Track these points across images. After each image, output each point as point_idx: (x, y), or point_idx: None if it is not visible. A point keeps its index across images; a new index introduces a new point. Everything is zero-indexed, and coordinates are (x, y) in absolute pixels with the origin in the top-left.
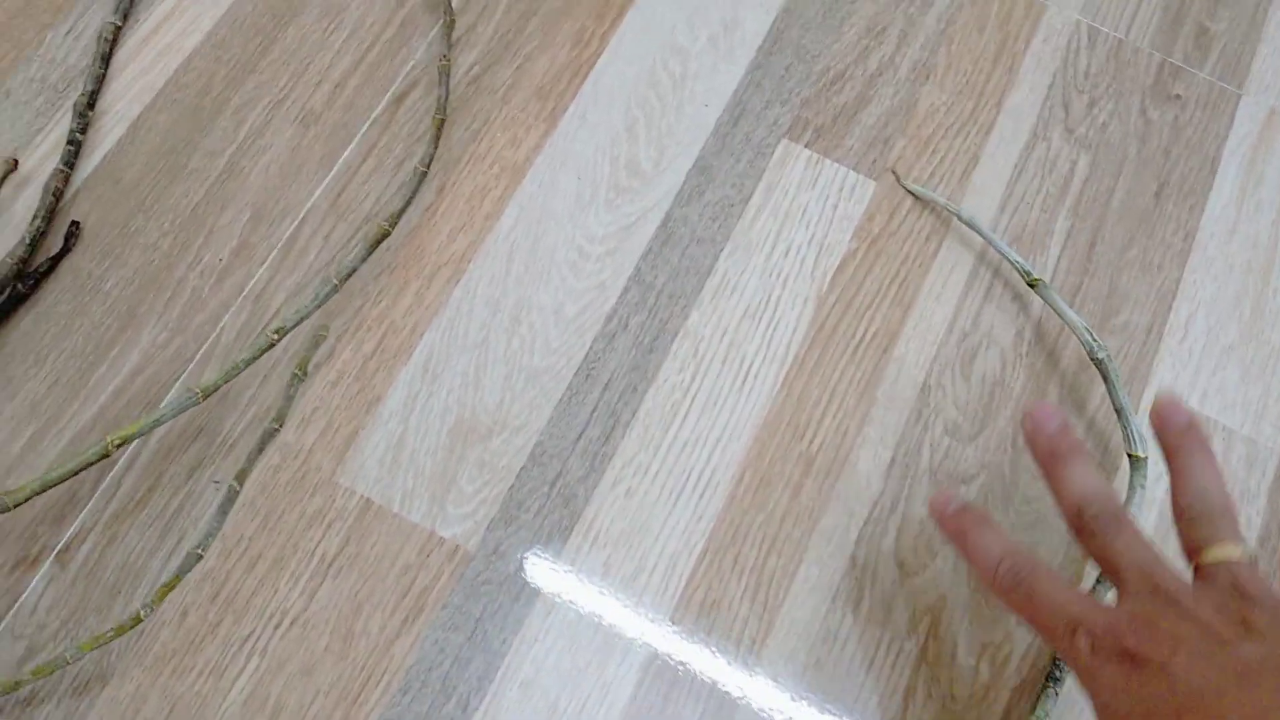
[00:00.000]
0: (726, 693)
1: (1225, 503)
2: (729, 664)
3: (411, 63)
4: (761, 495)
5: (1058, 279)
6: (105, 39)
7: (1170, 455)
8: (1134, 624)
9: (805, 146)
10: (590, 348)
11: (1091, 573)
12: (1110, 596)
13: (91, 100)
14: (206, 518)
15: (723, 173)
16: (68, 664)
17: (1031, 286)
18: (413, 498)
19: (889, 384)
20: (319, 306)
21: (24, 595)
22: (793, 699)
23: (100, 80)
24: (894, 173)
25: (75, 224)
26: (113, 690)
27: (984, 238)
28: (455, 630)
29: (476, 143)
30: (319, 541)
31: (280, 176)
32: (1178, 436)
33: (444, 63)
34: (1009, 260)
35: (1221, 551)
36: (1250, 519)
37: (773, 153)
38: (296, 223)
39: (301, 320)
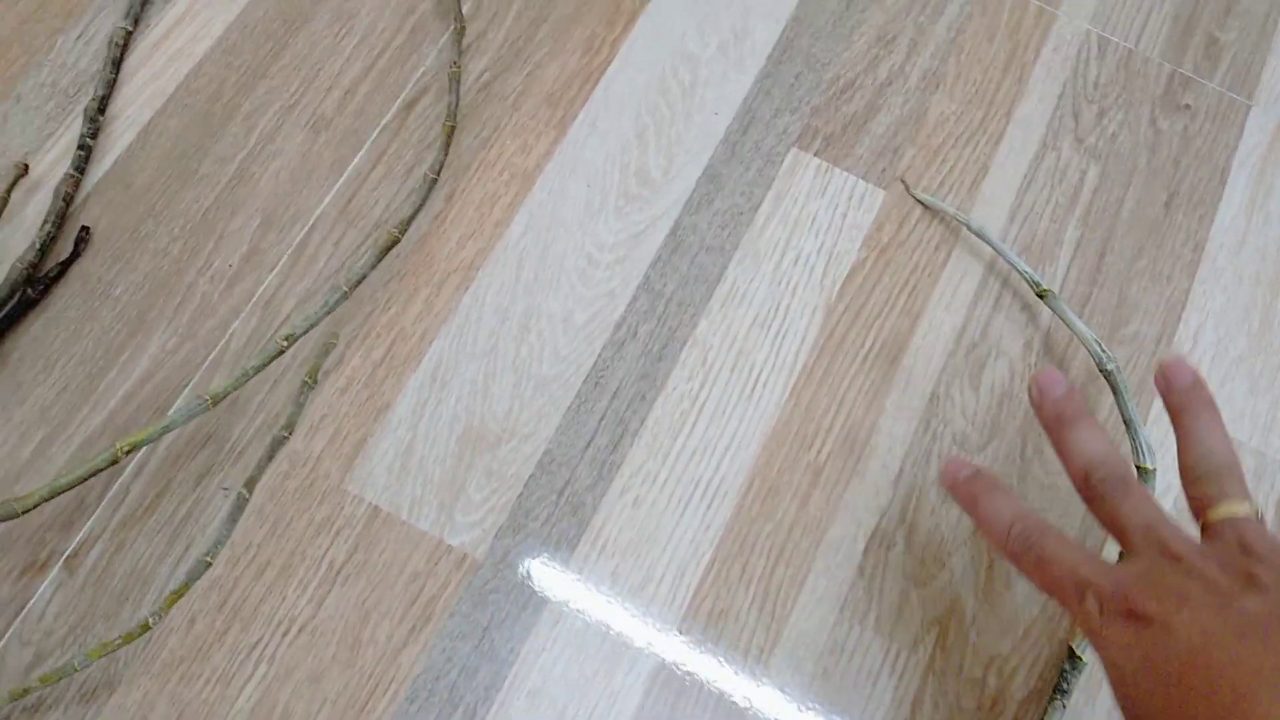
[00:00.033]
0: (734, 702)
1: (1231, 461)
2: (736, 674)
3: (422, 69)
4: (769, 505)
5: (1067, 289)
6: (116, 44)
7: (1175, 415)
8: (1140, 583)
9: (815, 155)
10: (599, 356)
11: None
12: None
13: (102, 105)
14: (215, 525)
15: (732, 181)
16: (75, 671)
17: (1041, 297)
18: (421, 505)
19: (898, 394)
20: (328, 313)
21: (32, 601)
22: (800, 709)
23: (111, 85)
24: (903, 182)
25: (85, 229)
26: (120, 697)
27: (993, 248)
28: (463, 639)
29: (486, 150)
30: (327, 549)
31: (290, 182)
32: (1182, 396)
33: (454, 69)
34: (1018, 271)
35: (1228, 509)
36: None
37: (782, 161)
38: (306, 229)
39: (311, 327)
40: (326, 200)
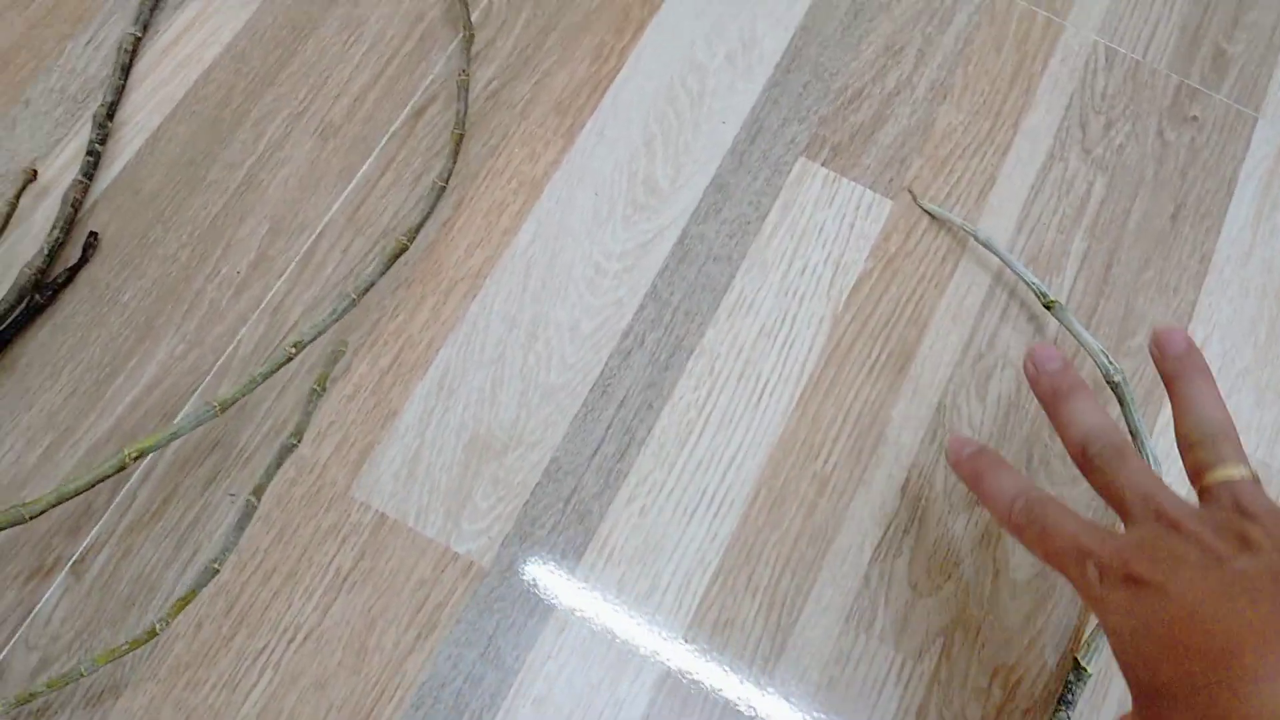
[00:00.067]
0: (739, 711)
1: (1226, 426)
2: (742, 682)
3: (430, 77)
4: (776, 514)
5: (1074, 300)
6: (125, 50)
7: (1169, 382)
8: (1138, 549)
9: (822, 165)
10: (606, 364)
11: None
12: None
13: (111, 111)
14: (222, 531)
15: (740, 190)
16: (82, 676)
17: (1048, 308)
18: (428, 513)
19: (904, 404)
20: (336, 320)
21: (38, 606)
22: (805, 718)
23: (120, 91)
24: (911, 192)
25: (93, 235)
26: (126, 702)
27: (1000, 259)
28: (468, 646)
29: (495, 158)
30: (334, 556)
31: (299, 189)
32: (1176, 363)
33: (463, 77)
34: (1025, 282)
35: (1224, 472)
36: None
37: (790, 171)
38: (314, 236)
39: (319, 334)
40: (335, 207)
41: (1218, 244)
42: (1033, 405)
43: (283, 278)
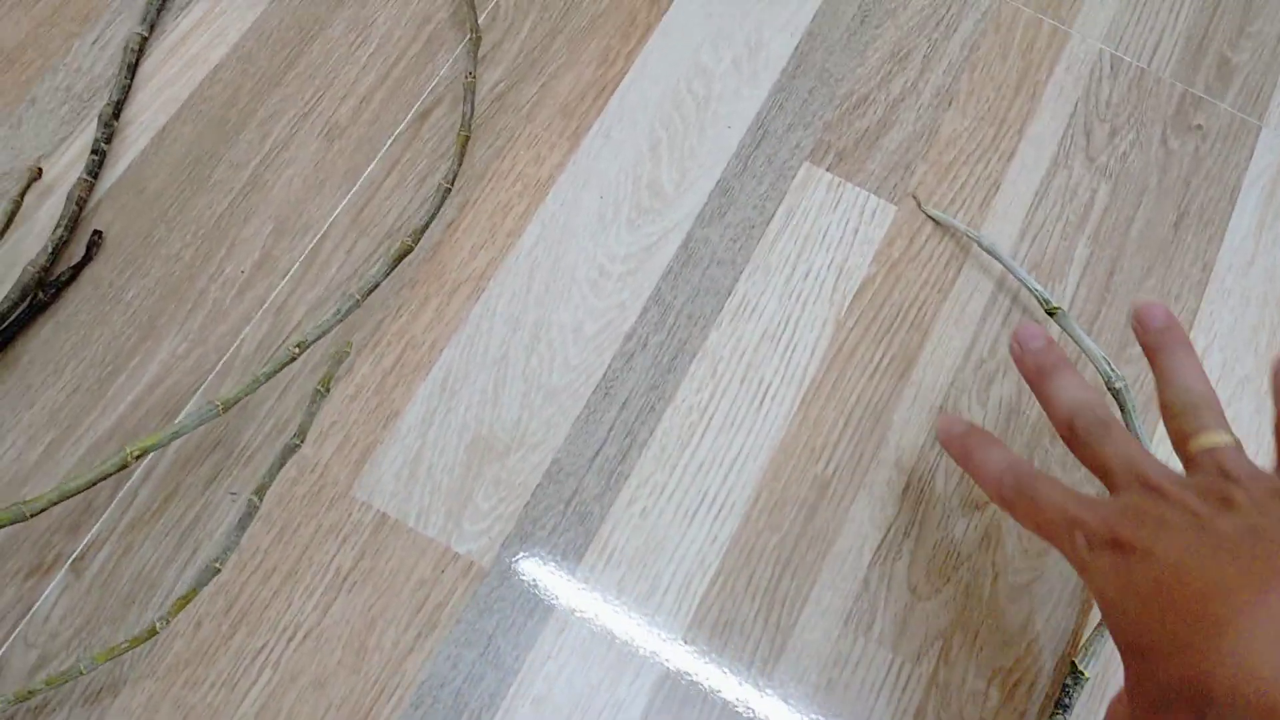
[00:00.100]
0: (738, 713)
1: (1208, 395)
2: (741, 684)
3: (437, 79)
4: (776, 517)
5: (1076, 307)
6: (131, 49)
7: (1152, 355)
8: (1123, 515)
9: (827, 170)
10: (609, 366)
11: None
12: None
13: (117, 110)
14: (223, 531)
15: (744, 194)
16: (81, 674)
17: (1050, 315)
18: (429, 513)
19: (906, 408)
20: (340, 321)
21: (38, 604)
22: None
23: (126, 90)
24: (915, 198)
25: (98, 233)
26: (125, 700)
27: (1004, 265)
28: (468, 646)
29: (500, 160)
30: (334, 555)
31: (304, 190)
32: (1157, 336)
33: (469, 79)
34: (1028, 288)
35: (1207, 439)
36: None
37: (794, 175)
38: (319, 237)
39: (322, 335)
40: (339, 208)
41: (1220, 252)
42: (1034, 411)
43: (287, 278)
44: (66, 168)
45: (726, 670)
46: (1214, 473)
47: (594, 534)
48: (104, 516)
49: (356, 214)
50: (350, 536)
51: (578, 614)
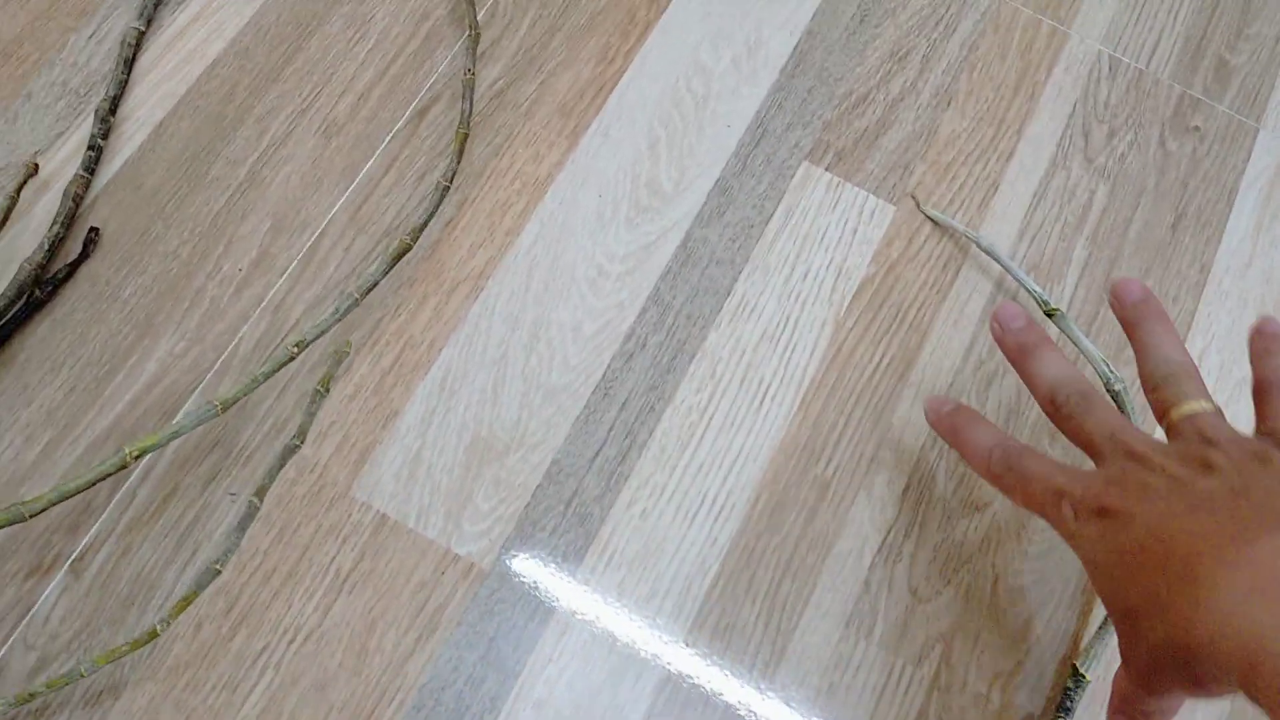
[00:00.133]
0: (739, 716)
1: (1188, 365)
2: (742, 687)
3: (435, 75)
4: (776, 519)
5: (1074, 308)
6: (128, 44)
7: (1129, 329)
8: (1108, 484)
9: (826, 169)
10: (608, 366)
11: None
12: None
13: (113, 105)
14: (223, 531)
15: (743, 194)
16: (82, 677)
17: (1049, 316)
18: (428, 514)
19: (905, 409)
20: (339, 320)
21: (37, 605)
22: None
23: (123, 85)
24: (914, 198)
25: (94, 230)
26: (125, 703)
27: (1002, 265)
28: (469, 649)
29: (498, 158)
30: (334, 556)
31: (301, 187)
32: (1134, 310)
33: (468, 76)
34: (1027, 289)
35: (1187, 407)
36: None
37: (793, 175)
38: (317, 234)
39: (321, 334)
40: (337, 206)
41: (1217, 254)
42: (1034, 412)
43: (284, 276)
44: (63, 164)
45: (728, 673)
46: (1195, 439)
47: (594, 535)
48: (103, 517)
49: (354, 211)
50: (350, 537)
51: (579, 616)
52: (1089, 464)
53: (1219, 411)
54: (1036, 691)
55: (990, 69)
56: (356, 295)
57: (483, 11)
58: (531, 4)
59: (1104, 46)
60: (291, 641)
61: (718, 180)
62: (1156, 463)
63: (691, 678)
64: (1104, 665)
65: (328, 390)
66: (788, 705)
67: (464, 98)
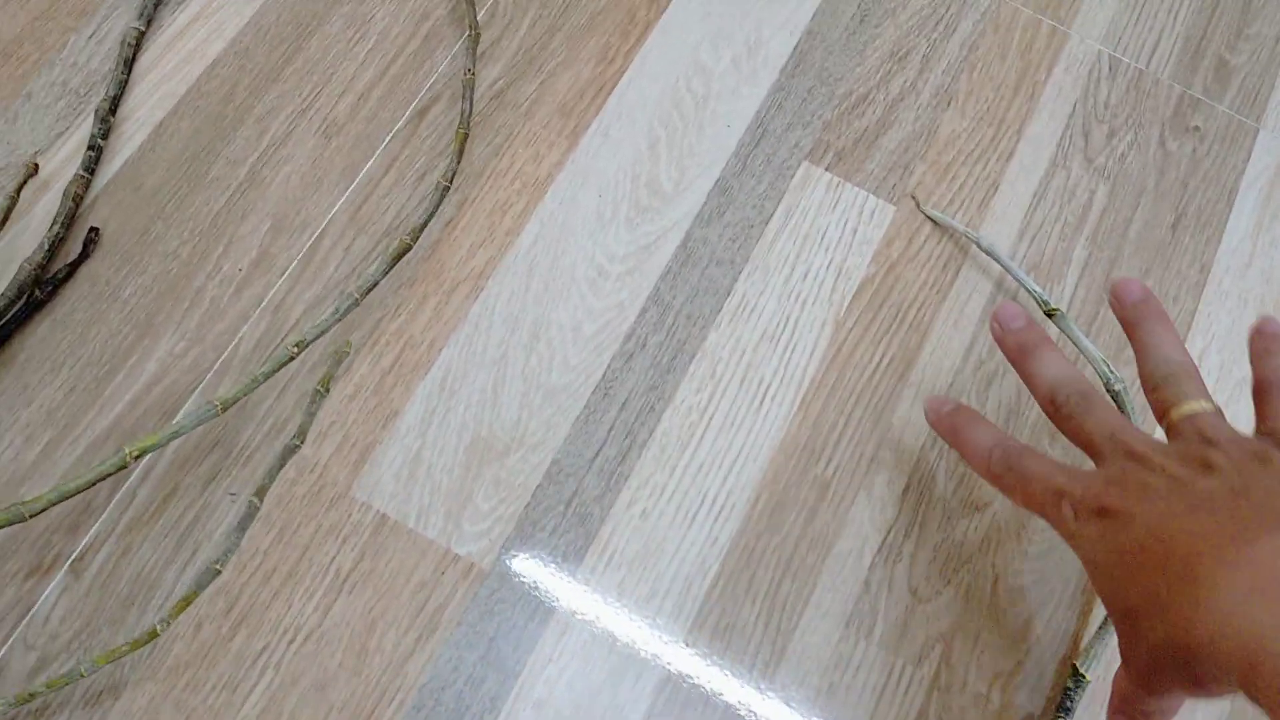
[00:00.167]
0: (739, 716)
1: (1188, 365)
2: (742, 687)
3: (435, 75)
4: (776, 519)
5: (1074, 308)
6: (128, 44)
7: (1129, 329)
8: (1108, 484)
9: (826, 169)
10: (608, 367)
11: None
12: None
13: (113, 105)
14: (223, 531)
15: (743, 194)
16: (82, 677)
17: (1049, 316)
18: (428, 514)
19: (905, 409)
20: (339, 320)
21: (37, 605)
22: None
23: (122, 85)
24: (914, 198)
25: (94, 230)
26: (125, 703)
27: (1003, 266)
28: (469, 649)
29: (498, 158)
30: (334, 556)
31: (301, 187)
32: (1134, 310)
33: (468, 76)
34: (1027, 289)
35: (1188, 407)
36: None
37: (793, 175)
38: (317, 234)
39: (321, 334)
40: (337, 206)
41: (1217, 254)
42: (1034, 412)
43: (284, 276)
44: (63, 164)
45: (728, 673)
46: (1195, 439)
47: (594, 535)
48: (103, 517)
49: (354, 211)
50: (350, 537)
51: (579, 616)
52: (1090, 465)
53: (1219, 411)
54: (1036, 691)
55: (990, 69)
56: (356, 295)
57: (482, 11)
58: (531, 4)
59: (1104, 46)
60: (291, 641)
61: (718, 180)
62: (1156, 463)
63: (691, 678)
64: (1104, 665)
65: (328, 390)
66: (788, 705)
67: (464, 98)
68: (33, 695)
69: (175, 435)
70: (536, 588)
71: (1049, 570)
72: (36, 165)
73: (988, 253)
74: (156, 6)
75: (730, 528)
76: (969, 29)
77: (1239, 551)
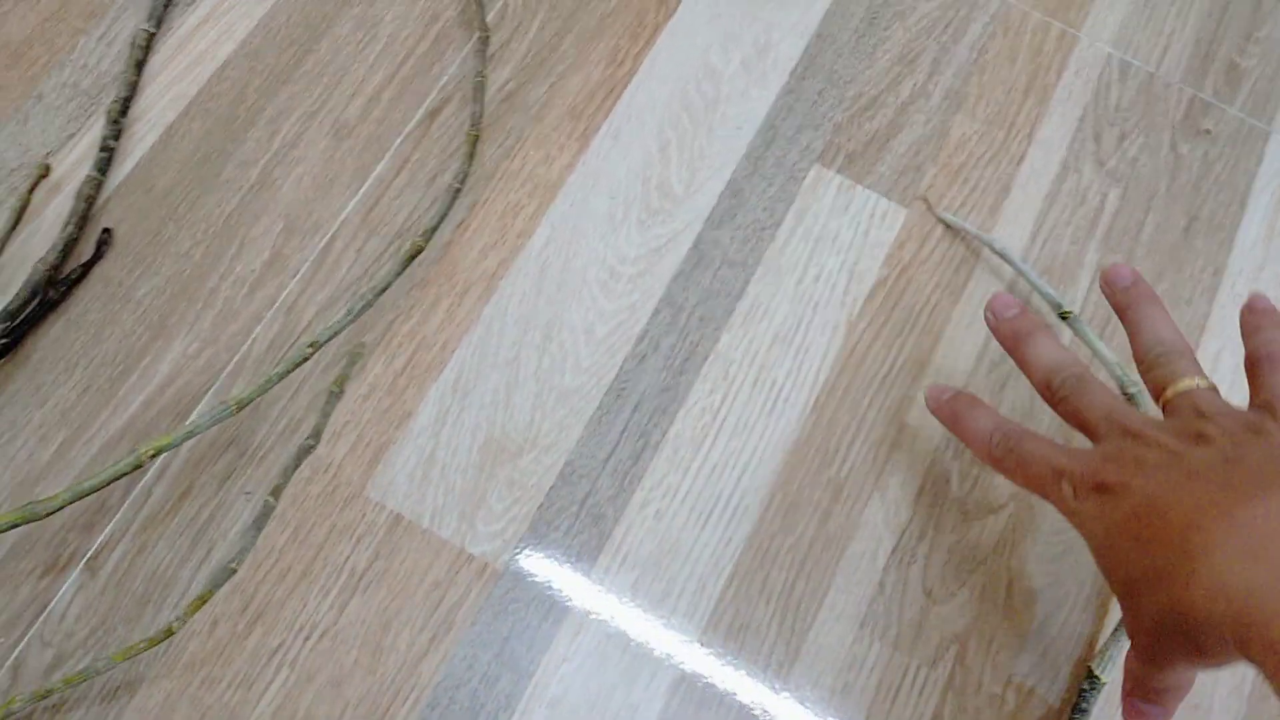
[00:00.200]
0: (754, 716)
1: (1181, 344)
2: (756, 687)
3: (445, 77)
4: (790, 520)
5: (1087, 311)
6: (138, 45)
7: (1122, 313)
8: (1105, 460)
9: (837, 172)
10: (621, 368)
11: None
12: None
13: (124, 107)
14: (238, 530)
15: (754, 196)
16: (99, 674)
17: (1063, 319)
18: (442, 514)
19: (918, 412)
20: (353, 321)
21: (53, 603)
22: None
23: (133, 87)
24: (925, 200)
25: (107, 231)
26: (141, 700)
27: (1015, 268)
28: (483, 648)
29: (509, 160)
30: (349, 556)
31: (313, 189)
32: (1125, 294)
33: (479, 78)
34: (1040, 292)
35: (1183, 384)
36: None
37: (804, 177)
38: (329, 236)
39: (334, 335)
40: (349, 207)
41: (1230, 257)
42: (1046, 415)
43: (297, 277)
44: (74, 165)
45: (742, 673)
46: (1189, 413)
47: (608, 536)
48: (118, 515)
49: (366, 213)
50: (365, 537)
51: (593, 616)
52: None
53: (1213, 388)
54: (1051, 693)
55: (1000, 72)
56: (369, 296)
57: (492, 13)
58: (540, 6)
59: (1114, 50)
60: (307, 639)
61: (729, 182)
62: (1152, 438)
63: (706, 677)
64: (1119, 668)
65: (342, 391)
66: (802, 705)
67: (474, 100)
68: (50, 692)
69: (190, 435)
70: (550, 587)
71: (1064, 572)
72: (48, 166)
73: (1000, 255)
74: (166, 8)
75: (744, 528)
76: (978, 32)
77: (1232, 516)
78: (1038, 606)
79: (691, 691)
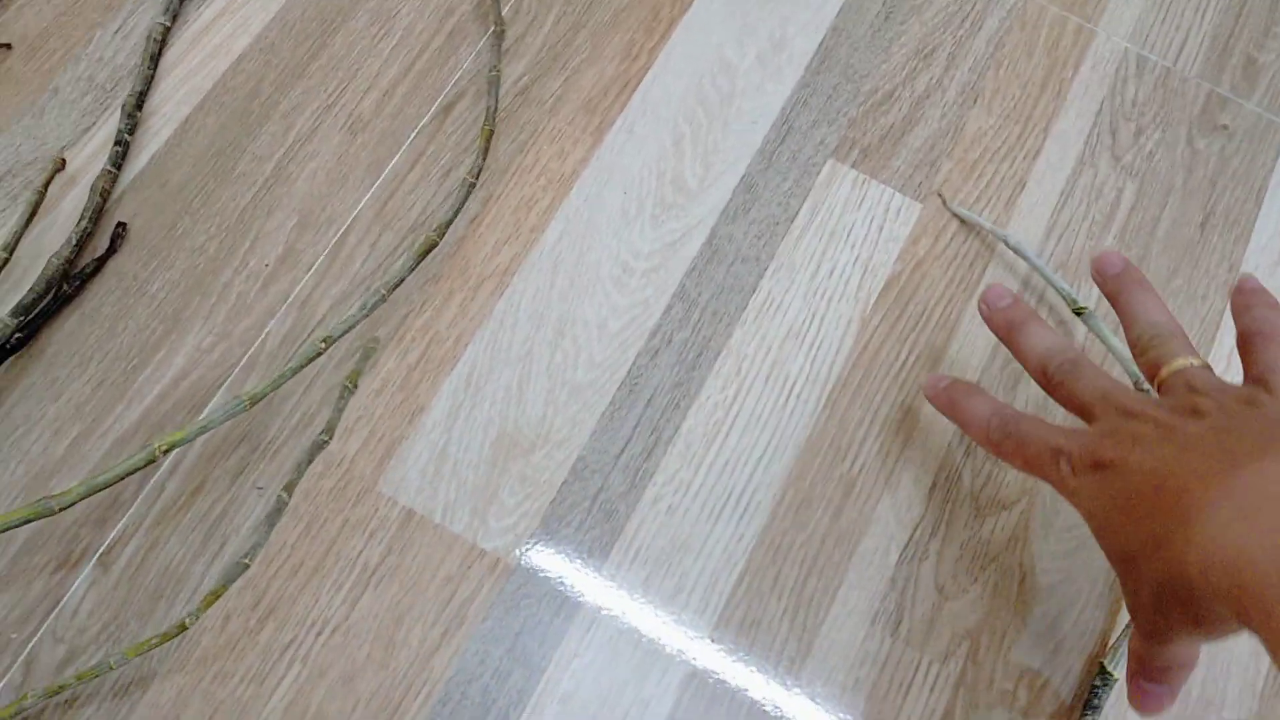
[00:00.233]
0: (765, 712)
1: (1173, 325)
2: (768, 683)
3: (460, 72)
4: (802, 516)
5: (1102, 307)
6: (154, 39)
7: (1114, 299)
8: (1101, 438)
9: (852, 167)
10: (634, 363)
11: None
12: None
13: (140, 101)
14: (251, 526)
15: (769, 191)
16: (111, 669)
17: (1078, 314)
18: (454, 509)
19: (931, 408)
20: (366, 315)
21: (66, 598)
22: None
23: (149, 81)
24: (940, 195)
25: (122, 225)
26: (154, 695)
27: (1030, 264)
28: (495, 643)
29: (523, 154)
30: (361, 551)
31: (327, 183)
32: (1117, 280)
33: (493, 73)
34: (1055, 288)
35: (1177, 364)
36: None
37: (819, 172)
38: (343, 230)
39: (348, 330)
40: (363, 202)
41: (1246, 253)
42: (1060, 412)
43: (311, 271)
44: (89, 158)
45: (754, 669)
46: (1183, 390)
47: (620, 531)
48: (131, 510)
49: (380, 208)
50: (377, 532)
51: (604, 611)
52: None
53: (1207, 366)
54: (1064, 690)
55: (1017, 66)
56: (383, 291)
57: (507, 8)
58: (556, 1)
59: (1131, 44)
60: (319, 634)
61: (743, 177)
62: (1148, 414)
63: (717, 673)
64: None
65: (355, 386)
66: (813, 701)
67: (489, 94)
68: (62, 687)
69: (203, 430)
70: (562, 583)
71: (1076, 569)
72: (64, 160)
73: (1015, 251)
74: (182, 2)
75: (756, 524)
76: (995, 26)
77: (1227, 481)
78: (1050, 603)
79: (703, 687)
